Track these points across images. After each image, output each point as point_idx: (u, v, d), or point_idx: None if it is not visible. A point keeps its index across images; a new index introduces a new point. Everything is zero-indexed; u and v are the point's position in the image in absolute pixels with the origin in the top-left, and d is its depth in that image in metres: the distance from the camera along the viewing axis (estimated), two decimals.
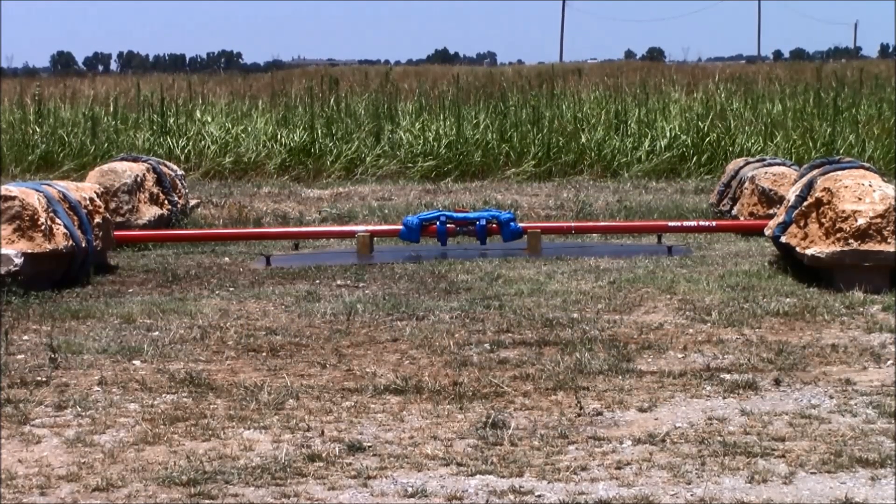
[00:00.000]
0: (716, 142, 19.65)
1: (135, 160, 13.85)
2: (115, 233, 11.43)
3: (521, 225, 12.18)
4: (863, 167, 10.66)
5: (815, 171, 10.41)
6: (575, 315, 8.63)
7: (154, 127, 21.40)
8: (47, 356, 7.45)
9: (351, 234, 12.32)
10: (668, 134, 19.91)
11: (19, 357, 7.57)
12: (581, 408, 6.28)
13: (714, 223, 12.77)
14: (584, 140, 19.83)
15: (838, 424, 5.99)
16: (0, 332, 8.00)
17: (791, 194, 10.38)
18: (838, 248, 9.39)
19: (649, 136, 19.91)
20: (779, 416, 6.12)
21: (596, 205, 15.14)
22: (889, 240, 9.35)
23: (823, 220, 9.62)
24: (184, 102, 23.86)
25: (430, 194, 16.76)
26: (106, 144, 20.30)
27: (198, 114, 22.48)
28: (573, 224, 12.95)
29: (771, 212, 12.04)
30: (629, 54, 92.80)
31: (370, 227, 12.48)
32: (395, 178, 18.97)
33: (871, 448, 5.58)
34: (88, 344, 7.87)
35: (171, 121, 21.64)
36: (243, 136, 20.78)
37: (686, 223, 12.68)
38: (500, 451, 5.63)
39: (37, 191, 10.03)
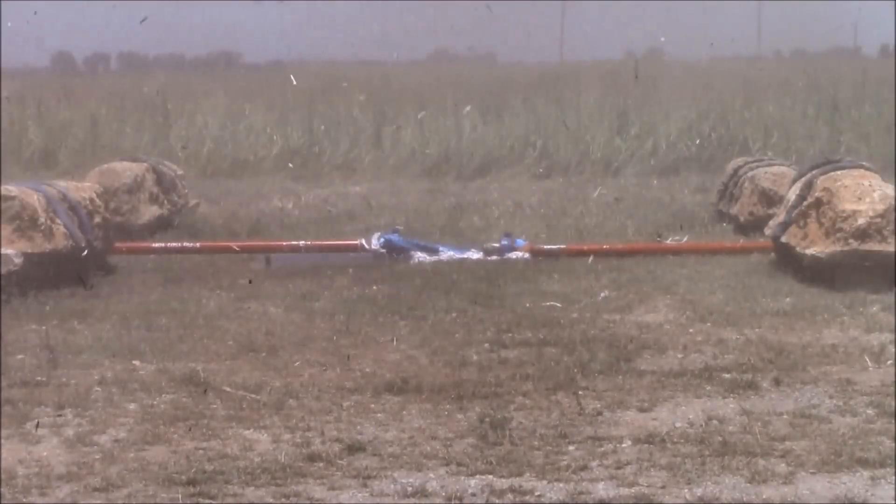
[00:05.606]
0: (716, 141, 19.63)
1: (135, 160, 13.84)
2: (124, 244, 11.54)
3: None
4: (863, 167, 10.64)
5: (815, 171, 10.40)
6: (575, 315, 8.62)
7: (154, 127, 21.38)
8: (47, 356, 7.44)
9: (354, 248, 11.91)
10: (669, 133, 19.88)
11: (19, 357, 7.56)
12: (581, 408, 6.28)
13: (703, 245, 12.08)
14: (585, 140, 19.79)
15: (838, 424, 5.99)
16: (0, 332, 8.00)
17: (791, 194, 10.38)
18: (838, 248, 9.38)
19: (651, 137, 19.89)
20: (779, 416, 6.12)
21: (595, 204, 15.10)
22: (889, 240, 9.34)
23: (823, 220, 9.62)
24: (184, 102, 23.83)
25: (430, 194, 16.73)
26: (106, 144, 20.26)
27: (198, 114, 22.46)
28: (563, 247, 12.27)
29: (771, 212, 12.01)
30: (629, 54, 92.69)
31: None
32: (394, 178, 18.94)
33: (871, 448, 5.58)
34: (88, 344, 7.86)
35: (171, 120, 21.62)
36: (243, 135, 20.76)
37: (680, 242, 12.17)
38: (500, 451, 5.63)
39: (37, 191, 10.02)
